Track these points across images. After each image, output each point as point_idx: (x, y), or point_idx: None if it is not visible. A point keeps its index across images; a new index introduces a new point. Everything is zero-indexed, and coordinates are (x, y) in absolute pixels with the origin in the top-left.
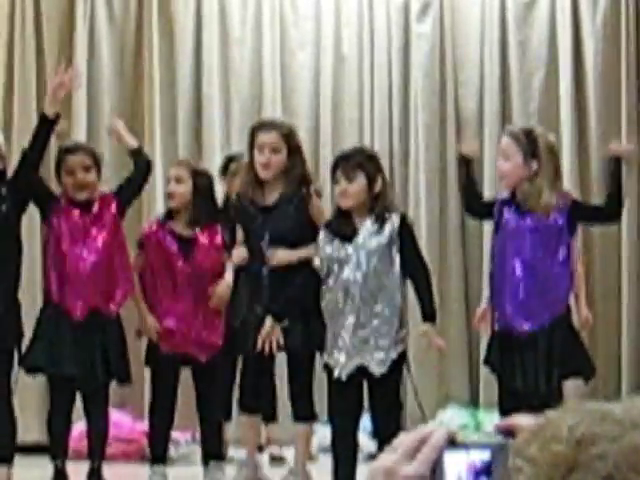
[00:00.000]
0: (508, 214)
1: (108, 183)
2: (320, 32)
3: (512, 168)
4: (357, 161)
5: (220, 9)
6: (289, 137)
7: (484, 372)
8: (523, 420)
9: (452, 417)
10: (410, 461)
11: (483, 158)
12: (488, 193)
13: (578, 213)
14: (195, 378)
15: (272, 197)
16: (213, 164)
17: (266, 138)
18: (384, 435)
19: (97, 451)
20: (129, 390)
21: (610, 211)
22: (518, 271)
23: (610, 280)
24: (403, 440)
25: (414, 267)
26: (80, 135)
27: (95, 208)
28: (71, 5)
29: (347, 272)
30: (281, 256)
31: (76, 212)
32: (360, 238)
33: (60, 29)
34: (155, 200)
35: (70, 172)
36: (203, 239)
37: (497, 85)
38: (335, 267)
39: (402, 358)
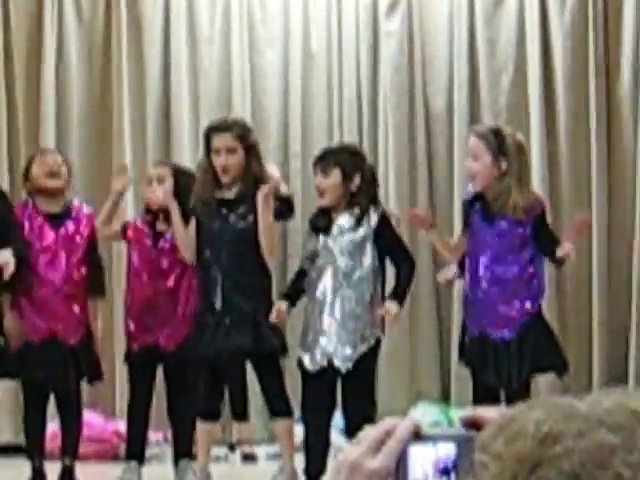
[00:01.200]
0: (475, 219)
1: (79, 194)
2: (288, 30)
3: (482, 168)
4: (334, 156)
5: (188, 8)
6: (243, 137)
7: (455, 369)
8: (488, 413)
9: (423, 414)
10: (375, 454)
11: (452, 156)
12: (458, 192)
13: (538, 232)
14: (166, 376)
15: (230, 193)
16: (181, 163)
17: (221, 141)
18: (355, 432)
19: (70, 451)
20: (100, 390)
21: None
22: (486, 278)
23: (580, 276)
24: (368, 433)
25: (399, 259)
26: (49, 137)
27: (70, 228)
28: (39, 7)
29: (320, 265)
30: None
31: (48, 231)
32: (333, 232)
33: (28, 31)
34: (125, 203)
35: (42, 164)
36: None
37: (466, 83)
38: (312, 259)
39: (372, 354)
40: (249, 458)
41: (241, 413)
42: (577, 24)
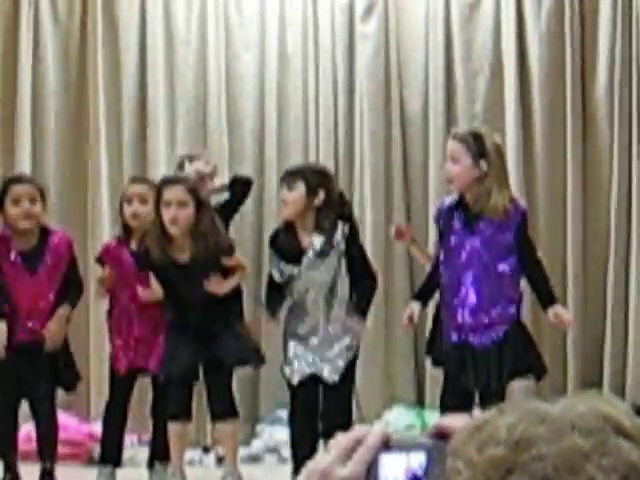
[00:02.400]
0: (456, 227)
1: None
2: (264, 33)
3: (462, 171)
4: (299, 171)
5: (164, 11)
6: (195, 191)
7: (430, 372)
8: (456, 421)
9: (398, 417)
10: (345, 462)
11: (428, 158)
12: (434, 196)
13: (519, 237)
14: (153, 382)
15: (184, 255)
16: (157, 165)
17: (172, 194)
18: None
19: (48, 453)
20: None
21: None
22: (466, 286)
23: (555, 277)
24: (339, 441)
25: (358, 275)
26: (24, 138)
27: (48, 261)
28: (15, 8)
29: (298, 289)
30: (215, 287)
31: (25, 276)
32: (307, 260)
33: (4, 32)
34: (101, 204)
35: (15, 202)
36: None
37: (442, 86)
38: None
39: (352, 365)
40: (223, 460)
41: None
42: (553, 26)
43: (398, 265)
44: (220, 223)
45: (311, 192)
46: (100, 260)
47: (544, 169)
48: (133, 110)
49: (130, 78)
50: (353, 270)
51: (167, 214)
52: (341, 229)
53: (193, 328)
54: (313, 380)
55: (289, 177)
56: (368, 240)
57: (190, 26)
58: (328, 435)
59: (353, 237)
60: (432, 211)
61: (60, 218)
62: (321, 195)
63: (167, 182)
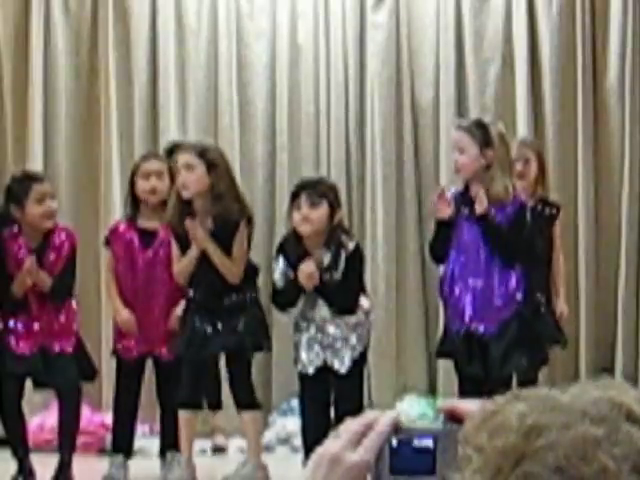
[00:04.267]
0: (461, 217)
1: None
2: (275, 23)
3: (468, 160)
4: (321, 189)
5: (175, 0)
6: (204, 154)
7: (442, 361)
8: (468, 405)
9: (410, 407)
10: (355, 447)
11: (439, 148)
12: (444, 183)
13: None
14: (157, 370)
15: (206, 223)
16: None
17: (181, 158)
18: None
19: (67, 445)
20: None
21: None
22: (472, 275)
23: (567, 260)
24: (349, 426)
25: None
26: (37, 127)
27: (50, 258)
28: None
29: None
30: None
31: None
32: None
33: (16, 23)
34: (112, 192)
35: (39, 201)
36: (163, 233)
37: (453, 74)
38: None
39: (363, 358)
40: (219, 450)
41: (215, 402)
42: (564, 16)
43: (410, 252)
44: (239, 188)
45: (332, 211)
46: (107, 241)
47: (554, 159)
48: (144, 100)
49: (141, 68)
50: (346, 281)
51: (177, 180)
52: (348, 248)
53: (214, 309)
54: (324, 371)
55: (311, 193)
56: (380, 228)
57: (201, 16)
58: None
59: (358, 255)
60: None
61: (72, 205)
62: (339, 215)
63: (178, 147)
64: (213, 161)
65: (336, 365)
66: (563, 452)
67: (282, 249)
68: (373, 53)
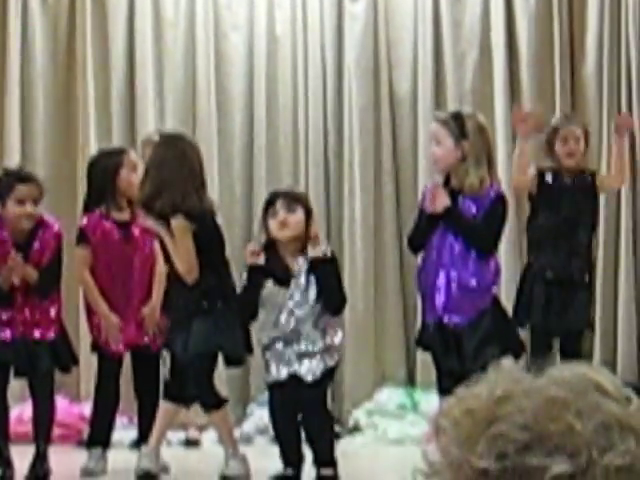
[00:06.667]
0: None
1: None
2: (253, 14)
3: (444, 152)
4: (297, 195)
5: None
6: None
7: (421, 352)
8: None
9: (389, 397)
10: None
11: (417, 138)
12: (423, 175)
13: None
14: (134, 361)
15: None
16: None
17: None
18: (316, 438)
19: (43, 435)
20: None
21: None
22: (444, 268)
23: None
24: None
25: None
26: (13, 119)
27: (35, 253)
28: None
29: (284, 316)
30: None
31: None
32: (296, 283)
33: None
34: None
35: (19, 202)
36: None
37: (431, 65)
38: (268, 306)
39: (331, 371)
40: (192, 443)
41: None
42: (542, 6)
43: (388, 242)
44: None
45: (308, 217)
46: (82, 236)
47: (533, 148)
48: (122, 92)
49: (119, 60)
50: (324, 285)
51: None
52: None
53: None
54: (292, 380)
55: (287, 199)
56: (357, 222)
57: (178, 7)
58: (310, 437)
59: (333, 261)
60: (421, 190)
61: (49, 197)
62: (313, 222)
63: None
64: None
65: (303, 372)
66: (531, 413)
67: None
68: (351, 44)
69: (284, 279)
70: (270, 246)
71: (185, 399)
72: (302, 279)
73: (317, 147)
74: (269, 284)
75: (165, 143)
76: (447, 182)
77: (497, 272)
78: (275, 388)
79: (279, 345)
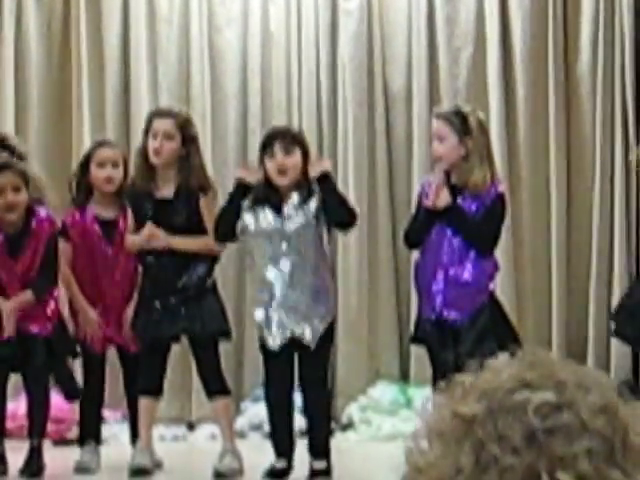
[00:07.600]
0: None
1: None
2: (247, 9)
3: (448, 149)
4: (293, 135)
5: None
6: (184, 126)
7: (415, 348)
8: None
9: (383, 393)
10: None
11: (412, 134)
12: (417, 171)
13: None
14: (121, 357)
15: (167, 189)
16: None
17: (161, 125)
18: (313, 410)
19: (38, 430)
20: None
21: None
22: (442, 265)
23: (540, 244)
24: None
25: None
26: (8, 113)
27: (31, 245)
28: None
29: (275, 244)
30: (178, 242)
31: (7, 260)
32: (287, 210)
33: None
34: None
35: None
36: (123, 223)
37: (425, 61)
38: (260, 239)
39: (330, 331)
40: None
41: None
42: (536, 2)
43: (382, 238)
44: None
45: (305, 156)
46: (63, 231)
47: (527, 145)
48: (116, 87)
49: (113, 56)
50: (331, 199)
51: (152, 144)
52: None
53: (167, 288)
54: (290, 345)
55: (285, 141)
56: None
57: (173, 3)
58: (306, 405)
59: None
60: (416, 186)
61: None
62: (310, 159)
63: (158, 114)
64: (191, 135)
65: (306, 338)
66: (518, 370)
67: (257, 199)
68: (345, 40)
69: (279, 207)
70: (265, 185)
71: (157, 390)
72: (296, 201)
73: (311, 142)
74: (265, 214)
75: (194, 126)
76: (447, 179)
77: (495, 268)
78: (271, 357)
79: (274, 313)
